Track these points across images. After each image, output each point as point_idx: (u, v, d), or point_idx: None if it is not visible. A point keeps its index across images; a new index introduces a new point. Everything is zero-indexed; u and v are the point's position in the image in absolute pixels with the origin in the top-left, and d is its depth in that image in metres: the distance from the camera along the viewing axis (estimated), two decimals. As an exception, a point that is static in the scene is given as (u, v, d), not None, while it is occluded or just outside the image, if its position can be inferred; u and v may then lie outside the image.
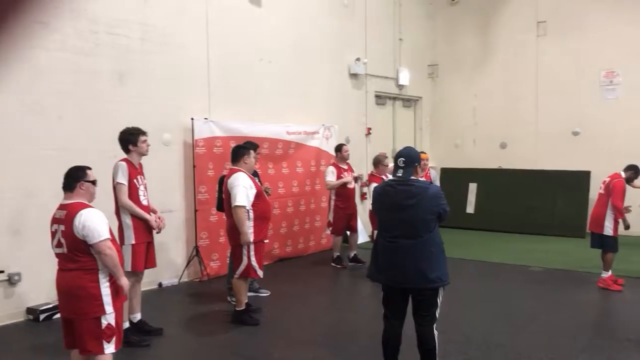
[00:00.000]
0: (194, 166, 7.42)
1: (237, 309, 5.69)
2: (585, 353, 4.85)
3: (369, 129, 10.79)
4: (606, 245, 6.86)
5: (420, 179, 4.07)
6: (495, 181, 11.55)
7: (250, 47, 8.35)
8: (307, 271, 8.15)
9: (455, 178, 12.05)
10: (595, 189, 10.37)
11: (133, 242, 5.11)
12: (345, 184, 7.96)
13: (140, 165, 5.31)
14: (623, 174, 6.91)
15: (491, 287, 7.22)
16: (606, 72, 10.53)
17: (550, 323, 5.64)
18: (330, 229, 8.20)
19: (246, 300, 5.76)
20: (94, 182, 3.87)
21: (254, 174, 6.48)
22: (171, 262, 7.39)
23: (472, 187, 11.80)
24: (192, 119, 7.36)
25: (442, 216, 3.96)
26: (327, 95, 9.74)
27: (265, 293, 6.69)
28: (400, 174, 3.92)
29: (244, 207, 5.32)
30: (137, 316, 5.36)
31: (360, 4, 10.47)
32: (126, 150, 5.17)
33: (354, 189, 8.19)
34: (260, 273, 5.60)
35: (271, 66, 8.63)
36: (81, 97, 6.41)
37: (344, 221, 8.06)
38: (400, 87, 11.67)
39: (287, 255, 8.69)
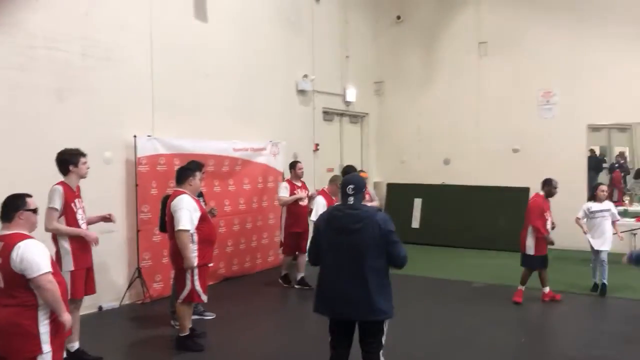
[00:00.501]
0: (137, 185, 7.21)
1: (181, 334, 5.54)
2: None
3: (317, 144, 10.82)
4: (528, 264, 7.12)
5: (367, 204, 4.09)
6: (439, 196, 11.79)
7: (196, 62, 8.23)
8: (254, 291, 8.04)
9: (401, 193, 12.23)
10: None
11: (72, 268, 4.90)
12: (297, 201, 7.86)
13: (78, 187, 5.12)
14: (542, 192, 7.21)
15: (435, 304, 7.33)
16: (543, 92, 10.97)
17: (492, 340, 5.77)
18: (282, 248, 8.11)
19: (190, 325, 5.62)
20: (34, 211, 3.68)
21: (199, 195, 6.36)
22: (112, 284, 7.13)
23: (417, 202, 12.01)
24: (135, 136, 7.17)
25: (394, 251, 3.86)
26: (274, 112, 9.70)
27: (210, 316, 6.55)
28: (351, 202, 3.92)
29: (187, 231, 5.20)
30: (75, 345, 5.13)
31: (308, 21, 10.52)
32: (65, 171, 4.99)
33: (306, 207, 8.00)
34: (204, 298, 5.49)
35: (217, 82, 8.53)
36: (18, 114, 6.14)
37: (295, 240, 7.90)
38: (348, 103, 11.77)
39: (234, 275, 8.55)
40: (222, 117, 8.60)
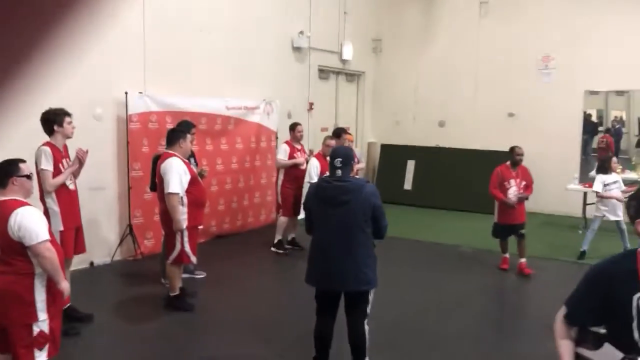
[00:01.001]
0: (128, 142, 7.17)
1: (171, 294, 5.62)
2: (509, 339, 5.10)
3: (311, 104, 10.71)
4: (493, 232, 7.31)
5: (356, 177, 4.09)
6: (432, 159, 11.79)
7: (189, 18, 8.03)
8: (245, 250, 8.11)
9: (394, 155, 12.22)
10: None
11: (61, 228, 4.89)
12: (296, 165, 7.72)
13: (65, 147, 5.08)
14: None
15: (422, 269, 7.42)
16: (543, 56, 10.82)
17: (478, 307, 5.89)
18: (280, 211, 7.79)
19: (180, 285, 5.69)
20: (28, 177, 3.63)
21: (191, 155, 6.34)
22: (104, 241, 7.18)
23: (410, 164, 12.01)
24: (126, 93, 7.07)
25: (378, 224, 3.94)
26: (269, 70, 9.55)
27: (200, 275, 6.63)
28: (339, 174, 3.92)
29: (177, 194, 5.21)
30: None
31: (306, -25, 10.24)
32: (50, 131, 4.92)
33: (305, 170, 7.83)
34: (193, 259, 5.55)
35: (211, 39, 8.35)
36: (6, 74, 6.01)
37: (294, 201, 7.63)
38: (344, 61, 11.60)
39: (225, 233, 8.61)
40: (216, 75, 8.46)
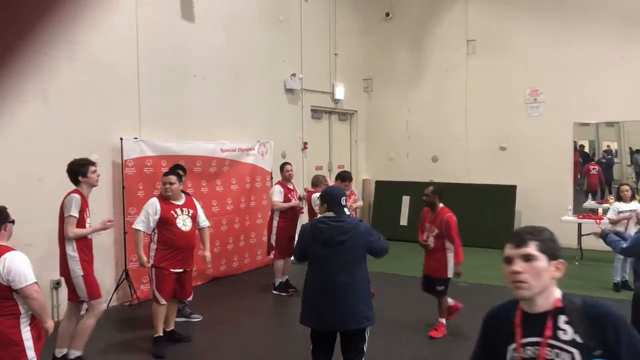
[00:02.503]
0: (124, 187, 7.23)
1: (154, 335, 5.60)
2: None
3: (305, 143, 10.84)
4: None
5: (351, 215, 4.16)
6: (427, 194, 11.83)
7: (183, 63, 8.22)
8: (241, 292, 8.07)
9: (389, 191, 12.29)
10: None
11: (81, 273, 4.95)
12: (293, 207, 7.73)
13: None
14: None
15: (421, 305, 7.37)
16: (530, 90, 11.04)
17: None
18: (273, 252, 7.74)
19: (170, 327, 5.72)
20: (13, 222, 3.75)
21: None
22: (99, 286, 7.14)
23: (406, 200, 12.07)
24: (121, 138, 7.17)
25: (378, 250, 4.08)
26: (262, 111, 9.71)
27: (197, 318, 6.60)
28: (348, 212, 4.02)
29: (137, 230, 5.49)
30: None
31: (296, 19, 10.51)
32: (76, 182, 5.02)
33: (300, 210, 7.89)
34: (161, 301, 5.55)
35: (205, 83, 8.53)
36: (4, 116, 6.12)
37: (288, 242, 7.60)
38: (336, 101, 11.80)
39: (222, 275, 8.59)
40: (210, 118, 8.61)
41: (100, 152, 7.14)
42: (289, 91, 10.37)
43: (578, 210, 9.97)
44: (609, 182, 11.45)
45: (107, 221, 5.20)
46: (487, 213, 11.10)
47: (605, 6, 10.26)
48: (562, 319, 2.04)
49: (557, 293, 2.10)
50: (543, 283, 2.05)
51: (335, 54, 11.65)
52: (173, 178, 5.54)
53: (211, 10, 8.66)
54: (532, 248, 2.05)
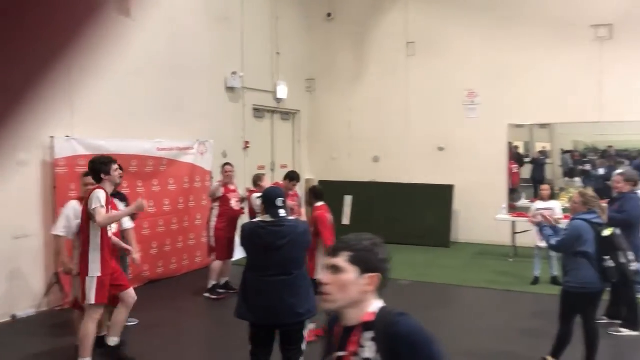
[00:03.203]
0: (54, 187, 6.93)
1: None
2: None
3: (247, 142, 10.73)
4: None
5: (290, 218, 4.13)
6: (369, 194, 11.98)
7: (119, 59, 7.94)
8: (179, 294, 7.89)
9: (331, 190, 12.28)
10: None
11: (99, 274, 4.83)
12: (229, 203, 7.52)
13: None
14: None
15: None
16: (468, 92, 11.33)
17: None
18: (214, 254, 7.54)
19: (103, 333, 5.50)
20: None
21: (122, 198, 6.21)
22: (28, 291, 6.84)
23: (348, 200, 12.15)
24: (52, 137, 6.87)
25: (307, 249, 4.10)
26: (202, 110, 9.53)
27: (132, 322, 6.38)
28: (283, 214, 3.96)
29: (58, 236, 5.27)
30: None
31: (237, 17, 10.39)
32: (98, 179, 4.97)
33: (240, 210, 7.75)
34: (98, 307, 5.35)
35: (142, 80, 8.29)
36: None
37: (228, 243, 7.45)
38: (279, 100, 11.74)
39: (159, 277, 8.37)
40: (147, 116, 8.37)
41: (29, 150, 6.82)
42: (230, 89, 10.23)
43: (512, 208, 10.31)
44: (542, 182, 11.94)
45: (142, 202, 5.14)
46: (426, 212, 11.32)
47: (539, 11, 10.66)
48: (368, 335, 1.93)
49: (374, 307, 1.98)
50: (349, 296, 1.93)
51: (278, 53, 11.59)
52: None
53: (148, 5, 8.41)
54: (341, 259, 1.96)
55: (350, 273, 1.94)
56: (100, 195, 4.78)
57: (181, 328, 6.50)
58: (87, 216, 4.84)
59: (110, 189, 5.03)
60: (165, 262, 8.51)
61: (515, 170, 11.40)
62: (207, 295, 7.55)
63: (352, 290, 1.93)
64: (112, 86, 7.79)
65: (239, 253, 8.94)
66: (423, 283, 8.31)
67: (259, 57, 11.04)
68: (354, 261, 1.95)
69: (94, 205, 4.76)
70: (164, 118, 8.68)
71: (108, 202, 4.90)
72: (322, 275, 1.98)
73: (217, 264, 7.53)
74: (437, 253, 10.42)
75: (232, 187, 7.73)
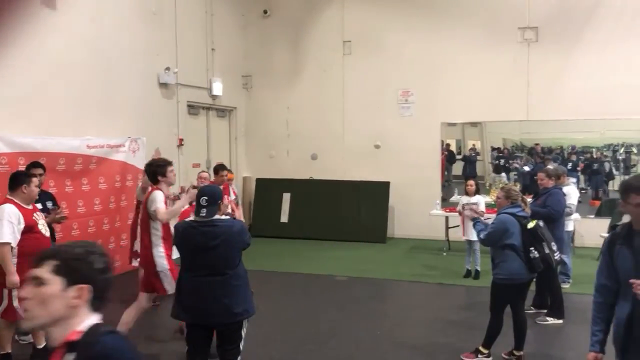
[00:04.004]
0: (-27, 187, 6.51)
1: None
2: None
3: (181, 139, 10.49)
4: None
5: (222, 217, 4.02)
6: (307, 191, 12.01)
7: (44, 53, 7.57)
8: (110, 297, 7.59)
9: (269, 188, 12.28)
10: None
11: (168, 267, 5.16)
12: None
13: None
14: None
15: (299, 302, 7.44)
16: (402, 91, 11.55)
17: (351, 336, 5.99)
18: (138, 260, 7.38)
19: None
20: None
21: (49, 198, 5.95)
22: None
23: (286, 197, 12.13)
24: (-30, 134, 6.46)
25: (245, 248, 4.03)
26: (134, 106, 9.22)
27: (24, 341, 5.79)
28: (203, 214, 3.85)
29: (8, 244, 4.72)
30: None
31: (170, 12, 10.12)
32: (155, 181, 5.27)
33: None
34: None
35: (69, 75, 7.92)
36: None
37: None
38: (214, 97, 11.54)
39: (90, 279, 8.03)
40: (76, 112, 8.00)
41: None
42: (163, 85, 9.96)
43: (446, 204, 10.60)
44: (474, 178, 12.35)
45: (192, 188, 5.40)
46: (363, 208, 11.46)
47: (471, 13, 10.99)
48: (69, 357, 1.69)
49: (84, 324, 1.74)
50: (52, 312, 1.70)
51: (213, 49, 11.40)
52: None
53: (75, -3, 8.07)
54: (44, 269, 1.72)
55: (54, 285, 1.70)
56: (158, 197, 5.11)
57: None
58: (148, 215, 5.16)
59: (166, 189, 5.33)
60: (96, 263, 8.17)
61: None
62: None
63: (55, 305, 1.69)
64: (35, 81, 7.41)
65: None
66: (359, 278, 8.40)
67: (193, 52, 10.81)
68: (59, 271, 1.71)
69: (153, 207, 5.08)
70: (93, 114, 8.33)
71: (166, 202, 5.27)
72: (23, 290, 1.73)
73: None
74: (374, 249, 10.56)
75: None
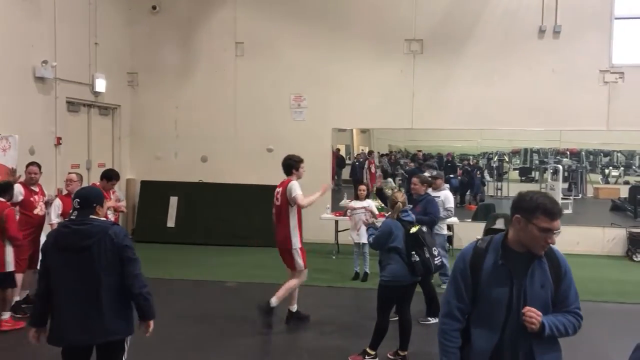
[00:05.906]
0: None
1: None
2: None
3: (59, 138, 9.77)
4: None
5: (102, 218, 3.74)
6: (196, 195, 11.68)
7: None
8: None
9: (155, 191, 11.81)
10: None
11: (300, 245, 6.30)
12: (32, 207, 6.68)
13: None
14: None
15: (187, 310, 7.18)
16: (295, 96, 11.61)
17: (240, 343, 5.88)
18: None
19: None
20: None
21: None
22: None
23: (173, 201, 11.72)
24: None
25: (128, 270, 3.59)
26: (5, 101, 8.45)
27: None
28: (74, 217, 3.57)
29: None
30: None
31: (47, 1, 9.41)
32: (289, 173, 6.30)
33: (43, 216, 6.90)
34: None
35: None
36: None
37: (32, 252, 6.58)
38: (97, 94, 10.89)
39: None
40: None
41: None
42: (40, 80, 9.22)
43: (335, 208, 10.78)
44: (361, 182, 12.71)
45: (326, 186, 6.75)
46: (255, 213, 11.34)
47: (361, 24, 11.31)
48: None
49: None
50: None
51: (96, 44, 10.75)
52: None
53: None
54: None
55: None
56: (295, 186, 6.15)
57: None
58: (287, 201, 6.17)
59: (296, 180, 6.27)
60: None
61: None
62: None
63: None
64: None
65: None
66: (250, 283, 8.31)
67: (74, 46, 10.14)
68: None
69: (294, 193, 6.10)
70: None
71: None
72: None
73: (18, 277, 6.45)
74: (264, 253, 10.44)
75: (36, 190, 6.91)
